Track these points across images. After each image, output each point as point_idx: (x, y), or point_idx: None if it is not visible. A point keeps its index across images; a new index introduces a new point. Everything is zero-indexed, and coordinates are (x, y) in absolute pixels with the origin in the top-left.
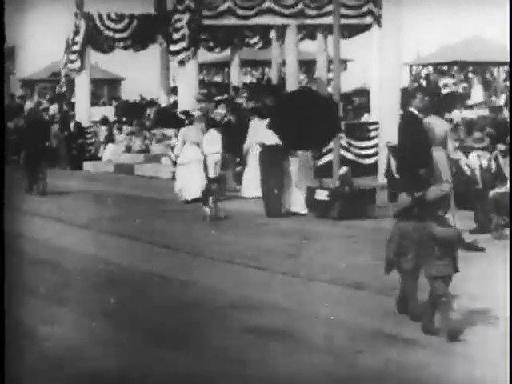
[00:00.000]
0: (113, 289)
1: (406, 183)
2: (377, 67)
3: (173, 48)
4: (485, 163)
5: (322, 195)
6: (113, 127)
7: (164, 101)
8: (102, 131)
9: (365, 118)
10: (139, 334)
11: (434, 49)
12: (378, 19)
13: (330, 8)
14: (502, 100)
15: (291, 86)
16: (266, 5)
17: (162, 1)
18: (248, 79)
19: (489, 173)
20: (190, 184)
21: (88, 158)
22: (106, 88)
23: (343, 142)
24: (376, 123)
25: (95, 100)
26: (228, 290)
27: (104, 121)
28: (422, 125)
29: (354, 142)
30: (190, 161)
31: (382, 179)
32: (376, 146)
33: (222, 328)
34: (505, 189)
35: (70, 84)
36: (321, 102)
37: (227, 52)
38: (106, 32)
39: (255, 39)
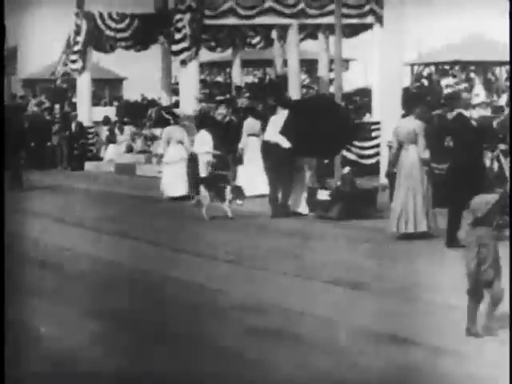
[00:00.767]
0: (112, 288)
1: (459, 186)
2: (378, 67)
3: (174, 48)
4: (487, 163)
5: (323, 195)
6: (114, 127)
7: (165, 101)
8: (104, 131)
9: (366, 117)
10: (139, 334)
11: (436, 48)
12: (379, 19)
13: (331, 7)
14: (503, 100)
15: (293, 85)
16: (268, 4)
17: (163, 0)
18: (250, 79)
19: (491, 172)
20: (174, 182)
21: (89, 158)
22: (107, 88)
23: None
24: (377, 123)
25: (97, 100)
26: (229, 289)
27: (105, 121)
28: (474, 126)
29: (355, 142)
30: (174, 159)
31: (383, 179)
32: (377, 145)
33: (223, 328)
34: (506, 188)
35: (72, 84)
36: (335, 110)
37: (229, 52)
38: (108, 32)
39: (257, 39)
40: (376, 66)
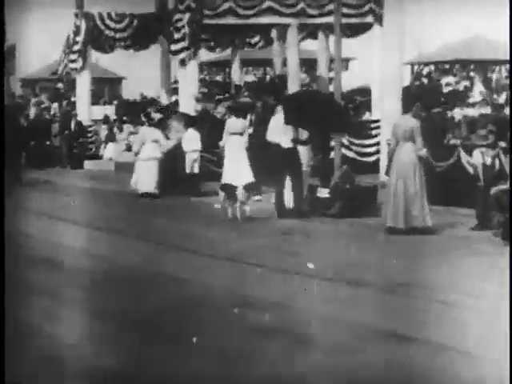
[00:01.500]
0: (110, 286)
1: None
2: (378, 66)
3: (174, 47)
4: (488, 160)
5: (323, 193)
6: (113, 126)
7: (165, 100)
8: (103, 130)
9: (366, 116)
10: (140, 332)
11: (436, 47)
12: (379, 18)
13: (331, 7)
14: (503, 98)
15: (293, 85)
16: (267, 4)
17: (162, 0)
18: (249, 78)
19: (492, 170)
20: (146, 178)
21: (89, 157)
22: (106, 87)
23: (345, 140)
24: (377, 121)
25: (96, 99)
26: (230, 288)
27: (105, 120)
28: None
29: (355, 141)
30: (149, 158)
31: (383, 177)
32: (377, 144)
33: (223, 327)
34: (506, 186)
35: (71, 83)
36: (329, 101)
37: (228, 51)
38: (107, 32)
39: (256, 38)
40: (376, 65)
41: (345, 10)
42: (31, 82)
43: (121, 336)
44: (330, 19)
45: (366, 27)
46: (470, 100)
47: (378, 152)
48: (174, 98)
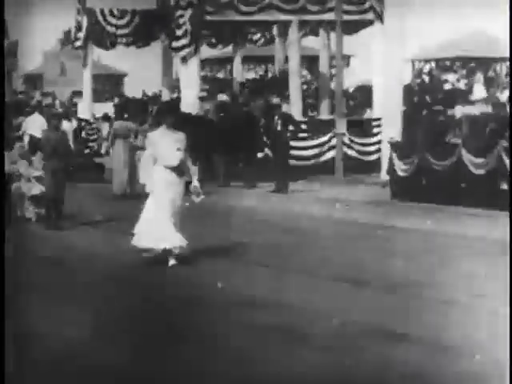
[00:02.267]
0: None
1: None
2: (379, 63)
3: (175, 44)
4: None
5: None
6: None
7: (167, 97)
8: (105, 127)
9: (367, 114)
10: (140, 331)
11: (437, 45)
12: (379, 15)
13: (332, 4)
14: (504, 96)
15: (294, 82)
16: (269, 1)
17: None
18: (251, 75)
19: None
20: (119, 179)
21: (94, 155)
22: (108, 84)
23: (345, 139)
24: (378, 119)
25: (98, 96)
26: (230, 287)
27: (105, 117)
28: None
29: (356, 139)
30: (116, 155)
31: (384, 176)
32: (379, 142)
33: (225, 325)
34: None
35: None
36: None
37: (230, 48)
38: (108, 28)
39: (258, 35)
40: (377, 63)
41: (346, 7)
42: (33, 78)
43: (124, 335)
44: (331, 16)
45: (366, 24)
46: (471, 97)
47: (379, 151)
48: (175, 95)
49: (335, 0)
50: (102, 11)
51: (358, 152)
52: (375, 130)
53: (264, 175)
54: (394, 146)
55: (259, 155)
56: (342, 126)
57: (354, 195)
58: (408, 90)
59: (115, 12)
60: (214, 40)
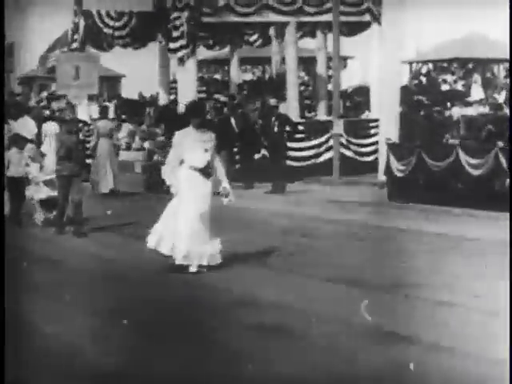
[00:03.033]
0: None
1: None
2: (377, 64)
3: (172, 45)
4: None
5: None
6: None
7: (163, 98)
8: None
9: (365, 115)
10: (139, 331)
11: (434, 46)
12: (376, 17)
13: (329, 5)
14: (501, 97)
15: (291, 83)
16: (265, 2)
17: None
18: (248, 76)
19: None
20: (105, 177)
21: (88, 155)
22: (105, 85)
23: (343, 139)
24: (376, 120)
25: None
26: (229, 287)
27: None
28: None
29: (353, 140)
30: (101, 154)
31: (381, 177)
32: (376, 143)
33: (223, 326)
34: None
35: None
36: None
37: (226, 49)
38: (105, 29)
39: (254, 37)
40: (374, 64)
41: (343, 9)
42: (29, 80)
43: (123, 335)
44: (328, 17)
45: (364, 26)
46: (469, 99)
47: (376, 151)
48: (172, 97)
49: (332, 1)
50: (98, 13)
51: (355, 153)
52: (372, 131)
53: (261, 176)
54: (392, 146)
55: (256, 156)
56: (339, 127)
57: (351, 196)
58: (405, 91)
59: (112, 14)
60: (210, 41)
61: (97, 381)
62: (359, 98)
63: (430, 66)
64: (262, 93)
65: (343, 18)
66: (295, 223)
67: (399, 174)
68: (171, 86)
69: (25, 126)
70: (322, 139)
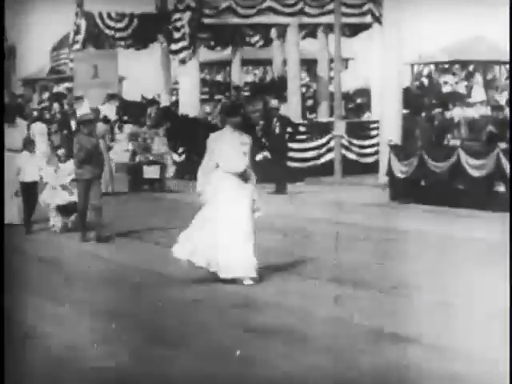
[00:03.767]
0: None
1: None
2: (378, 66)
3: (173, 47)
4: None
5: None
6: (114, 126)
7: (165, 100)
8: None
9: (366, 116)
10: (140, 333)
11: (436, 48)
12: (377, 18)
13: (330, 7)
14: (503, 99)
15: (292, 84)
16: (267, 3)
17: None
18: (249, 78)
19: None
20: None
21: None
22: None
23: (344, 141)
24: (377, 122)
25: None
26: (229, 287)
27: (104, 119)
28: None
29: (354, 141)
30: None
31: (382, 178)
32: (377, 144)
33: (223, 327)
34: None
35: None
36: None
37: (228, 51)
38: (107, 31)
39: (256, 38)
40: (376, 65)
41: (344, 10)
42: (31, 81)
43: (124, 337)
44: (329, 19)
45: (365, 27)
46: (470, 100)
47: (377, 153)
48: (174, 98)
49: (334, 3)
50: (100, 14)
51: (357, 154)
52: (374, 132)
53: (263, 177)
54: (393, 148)
55: (258, 157)
56: (340, 129)
57: (353, 197)
58: (407, 93)
59: (114, 15)
60: (212, 43)
61: None
62: (360, 99)
63: (432, 67)
64: (263, 94)
65: (345, 20)
66: (297, 223)
67: (401, 175)
68: (173, 88)
69: (17, 128)
70: (324, 140)
